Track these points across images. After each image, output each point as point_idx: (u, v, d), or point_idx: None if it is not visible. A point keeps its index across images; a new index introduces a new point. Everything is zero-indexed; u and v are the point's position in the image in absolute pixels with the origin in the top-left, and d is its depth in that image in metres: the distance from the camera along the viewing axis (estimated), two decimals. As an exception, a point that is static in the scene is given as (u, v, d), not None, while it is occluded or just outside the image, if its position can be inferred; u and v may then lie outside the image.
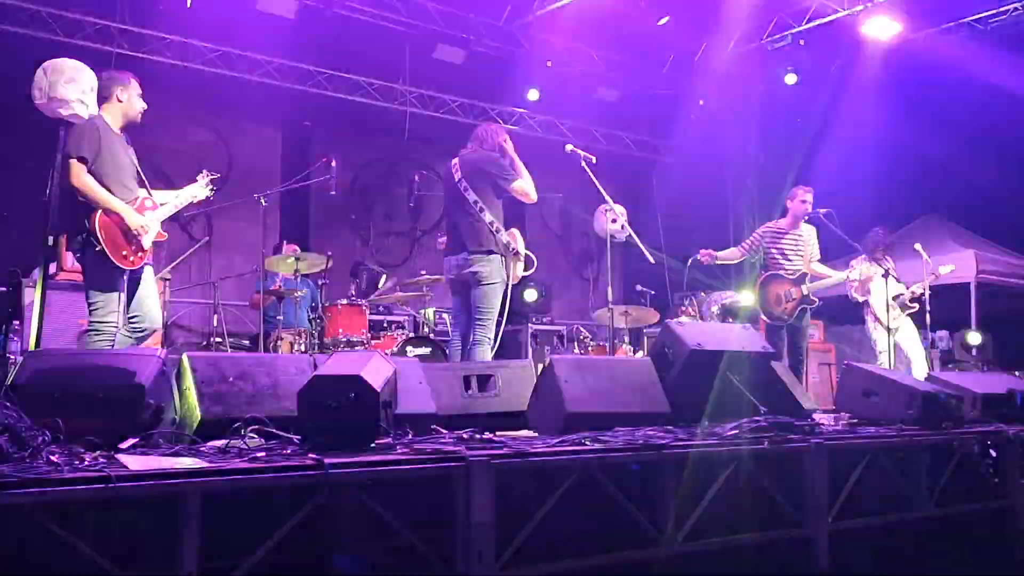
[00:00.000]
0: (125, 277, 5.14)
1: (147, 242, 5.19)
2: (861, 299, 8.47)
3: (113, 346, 5.00)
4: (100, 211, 5.03)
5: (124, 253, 5.06)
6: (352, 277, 9.40)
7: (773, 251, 7.69)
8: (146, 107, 5.45)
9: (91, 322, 5.03)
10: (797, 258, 7.72)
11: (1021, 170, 10.17)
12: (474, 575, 2.93)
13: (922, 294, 8.30)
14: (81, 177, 5.00)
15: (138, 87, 5.38)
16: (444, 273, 6.22)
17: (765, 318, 7.63)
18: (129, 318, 5.21)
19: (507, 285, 5.94)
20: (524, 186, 5.98)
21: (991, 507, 4.78)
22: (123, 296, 5.11)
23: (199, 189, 5.60)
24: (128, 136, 5.35)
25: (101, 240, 4.99)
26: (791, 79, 11.35)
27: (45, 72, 4.59)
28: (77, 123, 5.05)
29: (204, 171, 5.69)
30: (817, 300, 7.70)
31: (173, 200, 5.48)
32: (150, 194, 5.34)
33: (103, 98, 5.30)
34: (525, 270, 6.21)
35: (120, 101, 5.30)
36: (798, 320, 7.57)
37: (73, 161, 5.00)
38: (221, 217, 10.08)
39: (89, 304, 5.06)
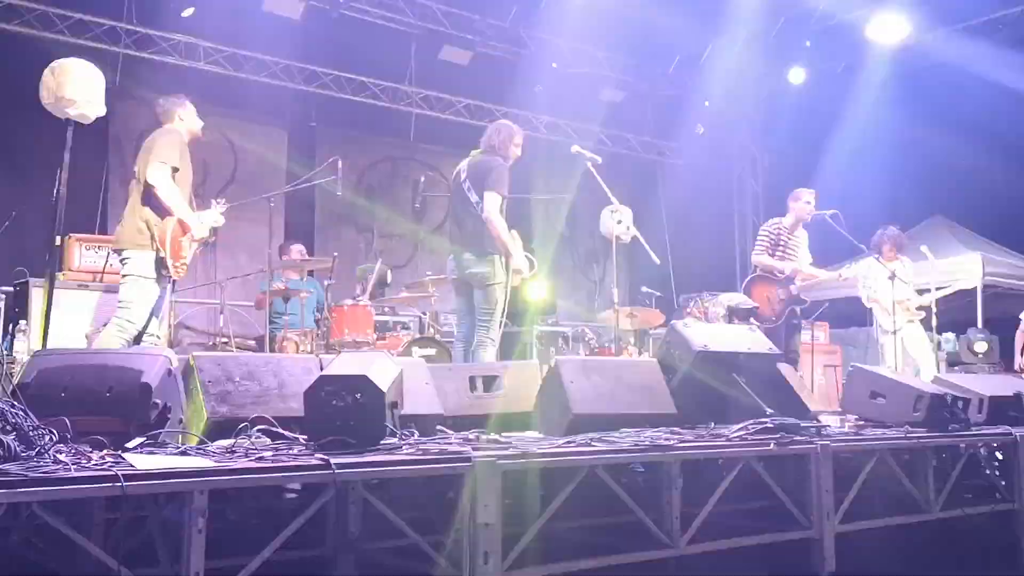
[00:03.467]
0: (168, 285, 5.29)
1: (189, 256, 5.41)
2: (868, 304, 8.43)
3: (127, 345, 5.08)
4: (176, 219, 5.21)
5: (176, 264, 5.22)
6: (358, 277, 9.39)
7: (778, 251, 7.65)
8: (203, 124, 5.76)
9: (117, 317, 5.12)
10: (795, 260, 7.68)
11: (1027, 171, 10.14)
12: (480, 576, 2.93)
13: (935, 302, 8.27)
14: (168, 182, 5.21)
15: (193, 108, 5.66)
16: (447, 274, 6.22)
17: (753, 321, 7.52)
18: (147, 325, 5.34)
19: (508, 286, 5.93)
20: (495, 215, 5.82)
21: (998, 510, 4.76)
22: (154, 301, 5.25)
23: (217, 215, 5.75)
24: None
25: (167, 246, 5.13)
26: (797, 75, 11.33)
27: (53, 72, 4.60)
28: (168, 131, 5.41)
29: (216, 199, 5.91)
30: (807, 300, 7.66)
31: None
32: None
33: (167, 119, 5.54)
34: (527, 271, 6.19)
35: (182, 120, 5.56)
36: (788, 320, 7.50)
37: (165, 166, 5.20)
38: (226, 217, 10.06)
39: (125, 300, 5.20)
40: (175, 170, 5.29)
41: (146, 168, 5.21)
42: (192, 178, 5.60)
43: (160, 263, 5.21)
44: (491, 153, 6.04)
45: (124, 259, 5.26)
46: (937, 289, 8.41)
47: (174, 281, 5.59)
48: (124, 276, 5.26)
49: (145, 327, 5.29)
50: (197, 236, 5.40)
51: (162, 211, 5.27)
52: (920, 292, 8.44)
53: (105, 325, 5.36)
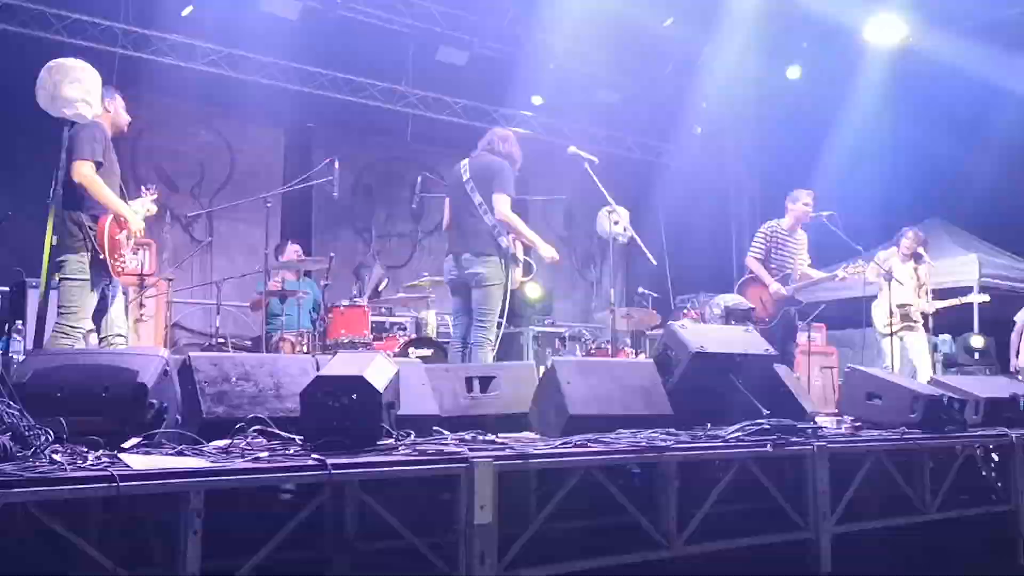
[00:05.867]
0: (107, 285, 5.21)
1: (128, 252, 5.28)
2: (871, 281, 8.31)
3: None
4: (110, 216, 5.12)
5: (116, 264, 5.13)
6: (355, 278, 9.40)
7: (774, 253, 7.62)
8: (130, 120, 5.60)
9: (58, 323, 5.03)
10: (792, 261, 7.66)
11: (1025, 173, 10.16)
12: (476, 576, 2.93)
13: (935, 312, 8.29)
14: (93, 178, 5.06)
15: (122, 101, 5.52)
16: (444, 274, 6.22)
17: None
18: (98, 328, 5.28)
19: (507, 288, 5.93)
20: (510, 215, 5.86)
21: (994, 511, 4.77)
22: (95, 303, 5.16)
23: (149, 203, 5.64)
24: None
25: (104, 246, 5.04)
26: (794, 72, 11.32)
27: (49, 72, 4.57)
28: (85, 126, 5.14)
29: (146, 186, 5.78)
30: (803, 301, 7.63)
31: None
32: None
33: None
34: (524, 275, 6.19)
35: (108, 111, 5.38)
36: (782, 321, 7.48)
37: (87, 162, 5.05)
38: (223, 218, 10.09)
39: (65, 306, 5.07)
40: (99, 165, 5.13)
41: (70, 168, 5.02)
42: (119, 170, 5.38)
43: (99, 264, 5.10)
44: (494, 154, 6.04)
45: (60, 262, 5.09)
46: (941, 299, 8.41)
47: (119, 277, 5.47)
48: (61, 281, 5.11)
49: (104, 329, 5.24)
50: (135, 228, 5.24)
51: (94, 210, 5.14)
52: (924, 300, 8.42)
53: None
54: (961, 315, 10.29)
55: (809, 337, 9.08)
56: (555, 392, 4.06)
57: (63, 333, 4.99)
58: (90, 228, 5.08)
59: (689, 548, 3.57)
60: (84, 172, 5.04)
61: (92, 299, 5.12)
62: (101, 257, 5.07)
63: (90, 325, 5.18)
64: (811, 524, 3.95)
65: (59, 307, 5.07)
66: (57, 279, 5.11)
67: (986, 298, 8.62)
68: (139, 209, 5.50)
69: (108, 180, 5.19)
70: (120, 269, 5.23)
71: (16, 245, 6.95)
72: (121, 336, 5.35)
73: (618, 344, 8.68)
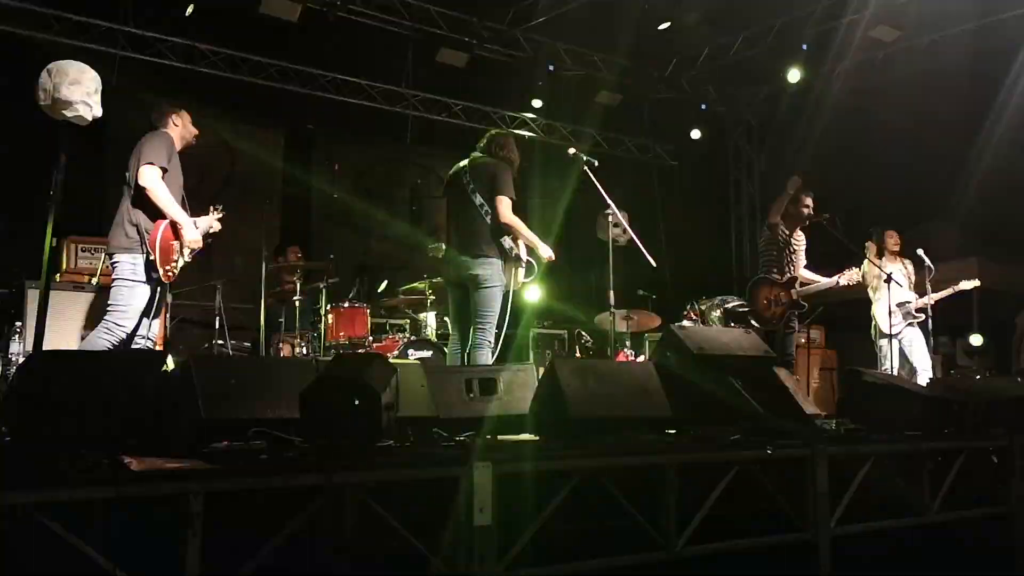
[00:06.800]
0: (157, 289, 5.28)
1: (181, 261, 5.41)
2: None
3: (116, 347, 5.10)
4: (167, 223, 5.26)
5: (167, 268, 5.22)
6: (354, 280, 9.40)
7: (777, 253, 7.64)
8: (198, 132, 5.77)
9: (106, 319, 5.15)
10: (796, 263, 7.69)
11: (1025, 175, 10.15)
12: (475, 578, 2.93)
13: (934, 304, 8.29)
14: (159, 183, 5.23)
15: (188, 116, 5.70)
16: (444, 276, 6.22)
17: (754, 323, 7.51)
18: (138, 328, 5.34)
19: (508, 290, 5.93)
20: (513, 219, 5.87)
21: (993, 513, 4.77)
22: (144, 304, 5.25)
23: (214, 221, 5.84)
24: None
25: (156, 249, 5.13)
26: (794, 73, 11.31)
27: (49, 74, 4.58)
28: (157, 134, 5.42)
29: (214, 206, 5.95)
30: (806, 305, 7.65)
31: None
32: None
33: (162, 124, 5.56)
34: (526, 276, 6.19)
35: (176, 125, 5.59)
36: (787, 324, 7.50)
37: (155, 167, 5.22)
38: (223, 219, 10.07)
39: (114, 303, 5.20)
40: (164, 171, 5.29)
41: (136, 171, 5.24)
42: (183, 183, 5.58)
43: (150, 266, 5.22)
44: (493, 156, 6.04)
45: (114, 263, 5.29)
46: (935, 291, 8.43)
47: (169, 283, 5.58)
48: (114, 280, 5.30)
49: (136, 329, 5.30)
50: (188, 239, 5.37)
51: (153, 214, 5.27)
52: (920, 295, 8.45)
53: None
54: (961, 315, 10.30)
55: (809, 338, 9.09)
56: (555, 394, 4.05)
57: (107, 330, 5.17)
58: (146, 231, 5.18)
59: (688, 550, 3.57)
60: (151, 175, 5.22)
61: (142, 300, 5.23)
62: (152, 258, 5.17)
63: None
64: (811, 526, 3.95)
65: (108, 304, 5.25)
66: (111, 277, 5.30)
67: (977, 283, 8.61)
68: (203, 225, 5.65)
69: (171, 190, 5.34)
70: (171, 273, 5.32)
71: (15, 246, 6.96)
72: (149, 340, 5.40)
73: (617, 346, 8.68)
